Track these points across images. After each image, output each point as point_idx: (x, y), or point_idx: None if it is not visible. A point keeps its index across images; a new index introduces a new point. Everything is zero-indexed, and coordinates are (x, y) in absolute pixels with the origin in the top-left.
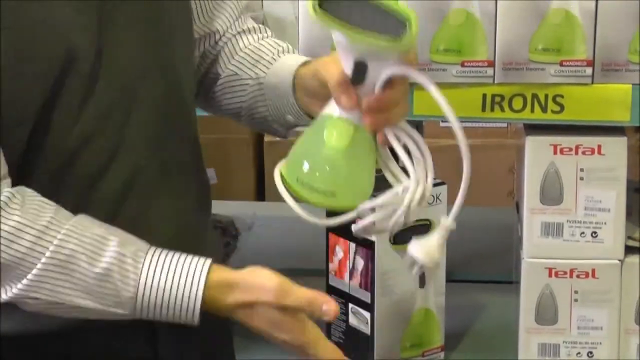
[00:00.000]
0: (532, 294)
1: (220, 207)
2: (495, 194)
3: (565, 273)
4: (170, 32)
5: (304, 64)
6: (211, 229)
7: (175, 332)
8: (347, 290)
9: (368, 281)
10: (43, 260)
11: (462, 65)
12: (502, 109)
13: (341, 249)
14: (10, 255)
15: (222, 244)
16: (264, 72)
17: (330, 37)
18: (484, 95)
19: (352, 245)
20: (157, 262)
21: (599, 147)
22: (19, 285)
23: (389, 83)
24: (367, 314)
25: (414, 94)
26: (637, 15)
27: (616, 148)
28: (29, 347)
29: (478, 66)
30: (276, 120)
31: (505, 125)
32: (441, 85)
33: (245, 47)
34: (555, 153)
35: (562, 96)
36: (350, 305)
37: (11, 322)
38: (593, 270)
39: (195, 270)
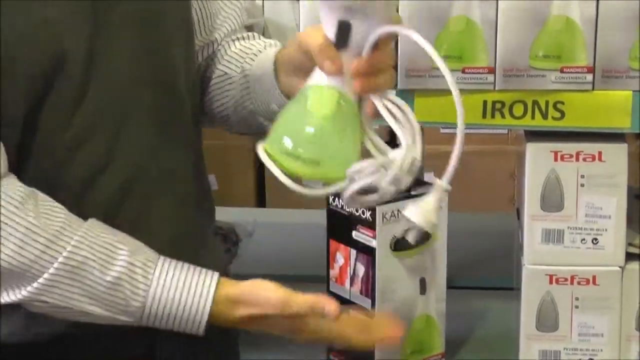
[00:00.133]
0: (532, 300)
1: (221, 214)
2: (496, 200)
3: (566, 280)
4: (168, 34)
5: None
6: (213, 234)
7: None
8: (347, 297)
9: (369, 288)
10: (55, 265)
11: (463, 71)
12: (503, 116)
13: (342, 256)
14: (23, 257)
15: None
16: (249, 64)
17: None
18: (485, 102)
19: (353, 252)
20: (166, 274)
21: (600, 153)
22: (29, 288)
23: (376, 45)
24: None
25: (415, 101)
26: (637, 21)
27: (617, 154)
28: (28, 351)
29: (479, 73)
30: (262, 113)
31: (505, 131)
32: (442, 92)
33: (236, 48)
34: (555, 159)
35: (562, 103)
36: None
37: (11, 326)
38: (594, 277)
39: (203, 285)
